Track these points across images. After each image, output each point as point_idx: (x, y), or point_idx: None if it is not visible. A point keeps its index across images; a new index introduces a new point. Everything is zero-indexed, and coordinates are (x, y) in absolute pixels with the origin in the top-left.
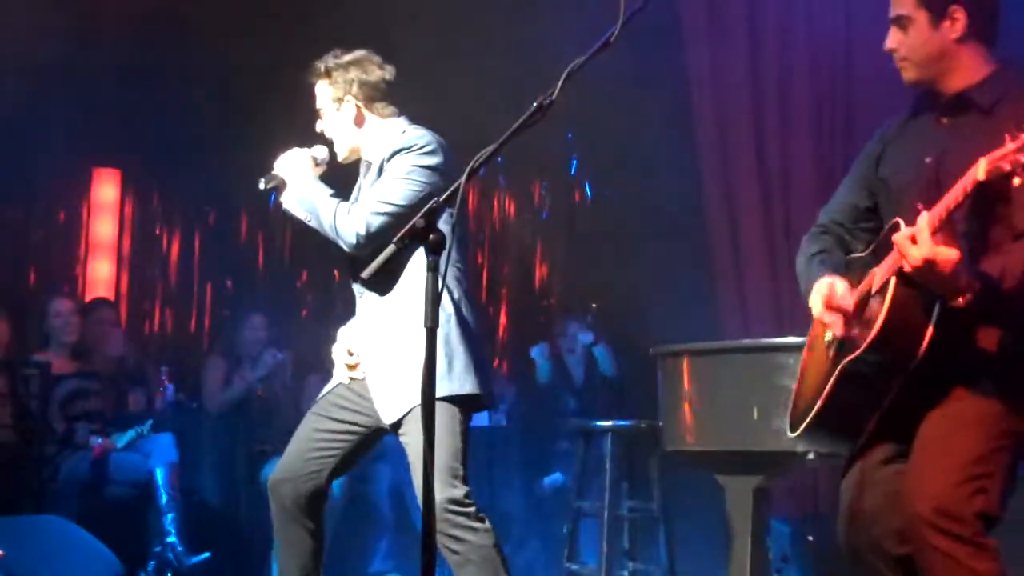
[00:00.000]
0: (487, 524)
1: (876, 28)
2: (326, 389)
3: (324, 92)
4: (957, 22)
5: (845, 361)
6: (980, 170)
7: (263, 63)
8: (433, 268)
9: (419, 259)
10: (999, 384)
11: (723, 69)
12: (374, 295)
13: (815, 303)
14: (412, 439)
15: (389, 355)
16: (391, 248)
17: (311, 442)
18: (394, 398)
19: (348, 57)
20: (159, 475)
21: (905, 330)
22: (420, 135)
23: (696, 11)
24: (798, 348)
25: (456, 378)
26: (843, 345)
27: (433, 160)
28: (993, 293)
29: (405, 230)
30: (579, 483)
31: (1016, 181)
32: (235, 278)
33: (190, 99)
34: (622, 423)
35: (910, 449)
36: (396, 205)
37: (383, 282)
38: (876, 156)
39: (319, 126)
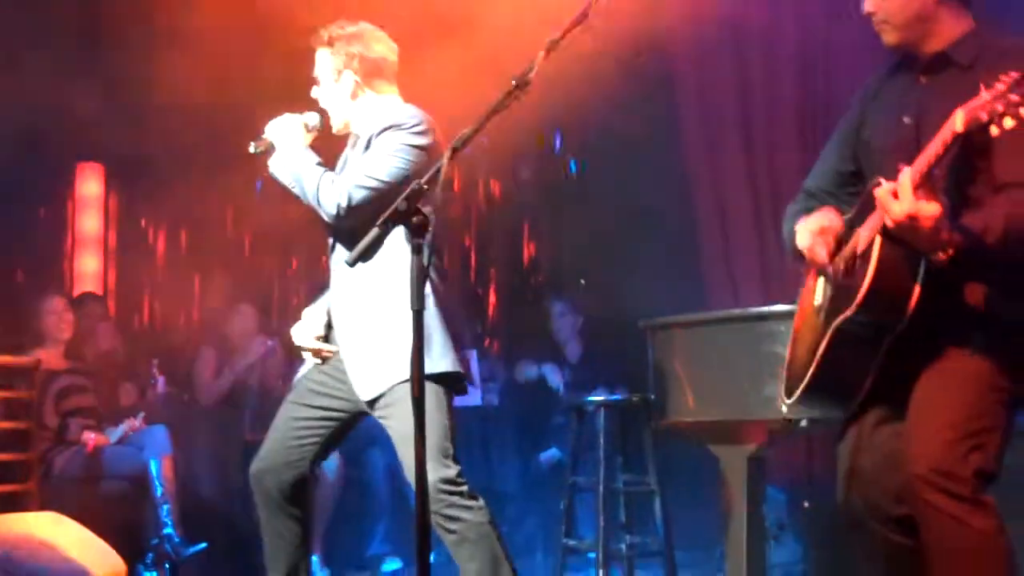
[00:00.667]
0: (481, 502)
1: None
2: (300, 373)
3: (324, 60)
4: None
5: (836, 322)
6: (958, 121)
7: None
8: (417, 250)
9: (396, 235)
10: (988, 341)
11: (707, 41)
12: (351, 270)
13: (803, 235)
14: (394, 421)
15: (366, 332)
16: (375, 232)
17: (290, 431)
18: (372, 375)
19: (353, 29)
20: (153, 468)
21: (893, 289)
22: (412, 114)
23: None
24: (786, 315)
25: (436, 357)
26: (833, 308)
27: (422, 140)
28: (976, 248)
29: (388, 213)
30: (573, 459)
31: (994, 130)
32: (224, 269)
33: (174, 93)
34: (614, 397)
35: (905, 410)
36: (380, 180)
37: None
38: (856, 120)
39: (315, 92)
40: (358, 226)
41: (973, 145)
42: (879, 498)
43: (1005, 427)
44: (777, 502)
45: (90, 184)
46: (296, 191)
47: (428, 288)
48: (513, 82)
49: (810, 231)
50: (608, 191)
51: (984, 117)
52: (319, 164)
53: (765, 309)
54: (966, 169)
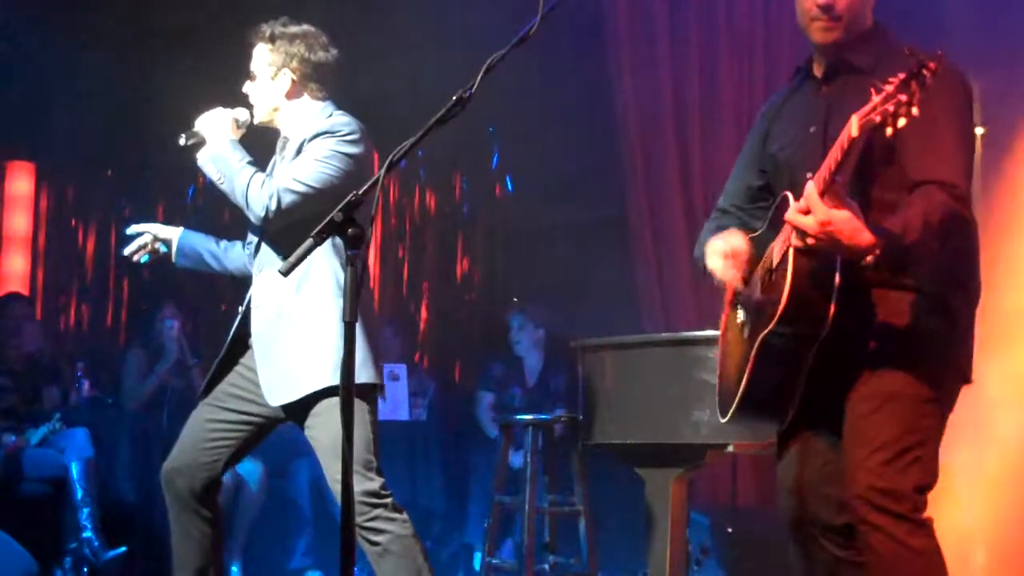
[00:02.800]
0: (404, 515)
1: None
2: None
3: (263, 56)
4: None
5: (760, 337)
6: (853, 127)
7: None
8: (352, 262)
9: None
10: (913, 351)
11: (645, 61)
12: (271, 276)
13: (713, 259)
14: (318, 432)
15: (283, 338)
16: (309, 242)
17: (205, 432)
18: (284, 381)
19: (296, 29)
20: (74, 471)
21: (811, 299)
22: (346, 122)
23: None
24: (716, 341)
25: (358, 368)
26: (755, 323)
27: (354, 149)
28: (898, 248)
29: (323, 224)
30: (499, 477)
31: (888, 131)
32: (152, 271)
33: (104, 90)
34: (543, 416)
35: (840, 420)
36: (309, 186)
37: (287, 247)
38: (763, 134)
39: (247, 87)
40: (283, 229)
41: (880, 148)
42: (819, 509)
43: (938, 435)
44: (701, 527)
45: (20, 183)
46: (224, 187)
47: None
48: (453, 97)
49: (718, 253)
50: (543, 208)
51: (877, 119)
52: (250, 163)
53: (697, 334)
54: (879, 177)
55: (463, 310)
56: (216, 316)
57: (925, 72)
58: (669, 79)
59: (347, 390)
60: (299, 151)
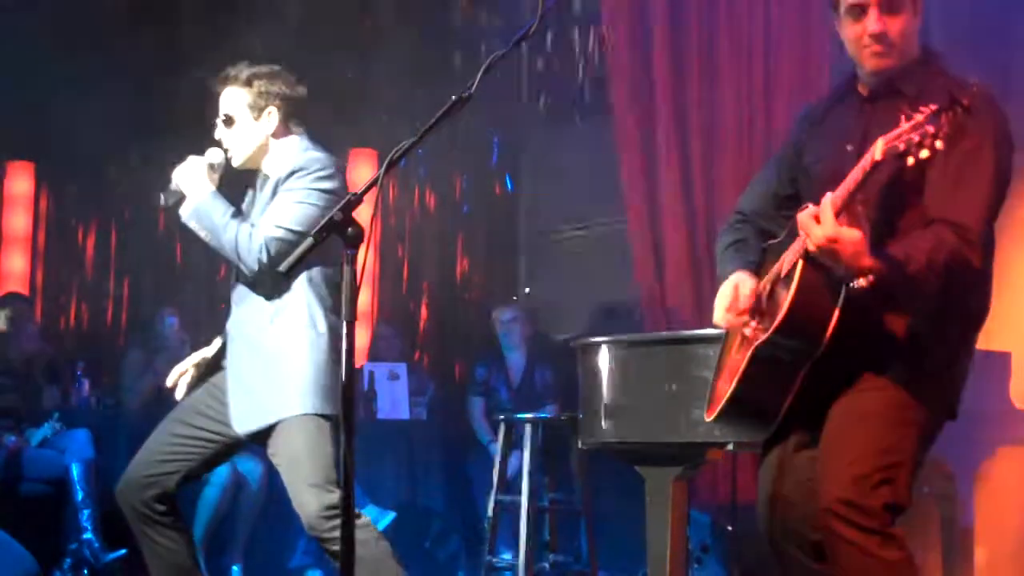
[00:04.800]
0: (365, 518)
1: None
2: (185, 391)
3: (239, 99)
4: (919, 2)
5: (755, 344)
6: (877, 150)
7: (178, 58)
8: (351, 261)
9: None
10: (903, 373)
11: (645, 57)
12: (247, 309)
13: (718, 311)
14: (281, 459)
15: (252, 364)
16: (309, 241)
17: (163, 446)
18: (251, 409)
19: (267, 69)
20: (75, 471)
21: (812, 314)
22: (318, 158)
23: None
24: (716, 340)
25: (321, 396)
26: (755, 329)
27: (329, 184)
28: (896, 275)
29: (323, 223)
30: (500, 476)
31: (910, 160)
32: (153, 272)
33: (105, 92)
34: (542, 415)
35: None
36: (292, 231)
37: (270, 286)
38: (799, 144)
39: (218, 133)
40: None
41: (911, 179)
42: (797, 523)
43: (916, 461)
44: (701, 525)
45: (20, 183)
46: (212, 243)
47: (323, 327)
48: (453, 96)
49: (723, 307)
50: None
51: (901, 147)
52: (234, 215)
53: (696, 332)
54: (899, 204)
55: (463, 310)
56: (216, 315)
57: (957, 107)
58: (670, 75)
59: (347, 390)
60: (275, 191)
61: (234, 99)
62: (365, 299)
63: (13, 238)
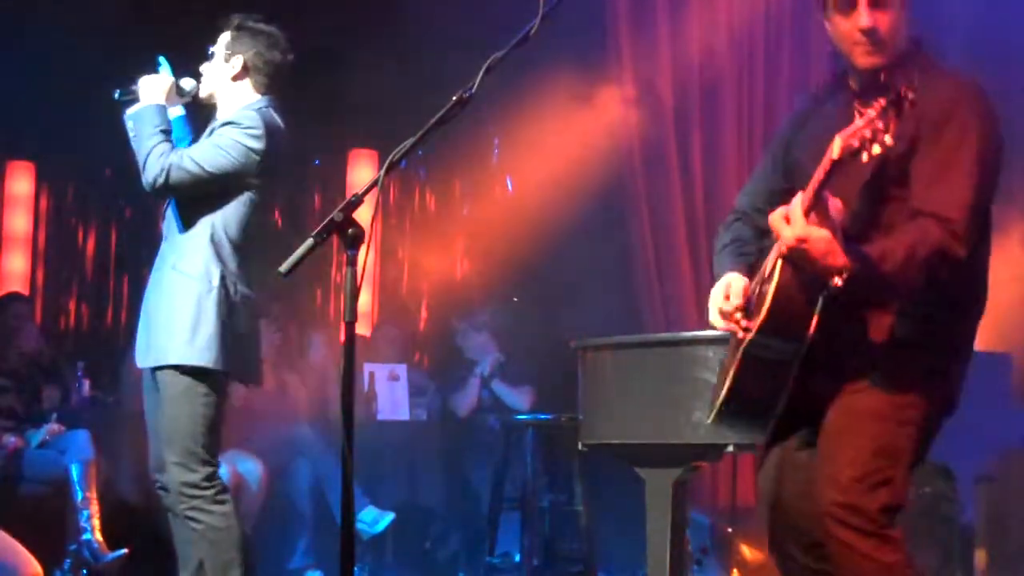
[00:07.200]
0: (226, 506)
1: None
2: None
3: (224, 40)
4: None
5: (743, 346)
6: (835, 148)
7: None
8: (352, 262)
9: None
10: (895, 373)
11: (647, 58)
12: (167, 244)
13: (711, 312)
14: (161, 413)
15: (155, 307)
16: (309, 242)
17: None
18: (146, 346)
19: (261, 27)
20: (75, 472)
21: (792, 312)
22: (253, 116)
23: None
24: (715, 341)
25: (196, 348)
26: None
27: (254, 144)
28: (871, 274)
29: (323, 224)
30: (500, 477)
31: (864, 157)
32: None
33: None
34: (543, 417)
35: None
36: (201, 168)
37: (180, 225)
38: (788, 139)
39: (204, 65)
40: (187, 203)
41: (890, 171)
42: (798, 522)
43: (913, 460)
44: (701, 527)
45: (20, 183)
46: (133, 146)
47: (216, 280)
48: (454, 97)
49: (716, 307)
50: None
51: (855, 144)
52: (164, 132)
53: (697, 334)
54: (883, 195)
55: (463, 310)
56: None
57: (904, 101)
58: (671, 78)
59: (346, 390)
60: (211, 133)
61: (221, 39)
62: (365, 300)
63: (13, 238)
